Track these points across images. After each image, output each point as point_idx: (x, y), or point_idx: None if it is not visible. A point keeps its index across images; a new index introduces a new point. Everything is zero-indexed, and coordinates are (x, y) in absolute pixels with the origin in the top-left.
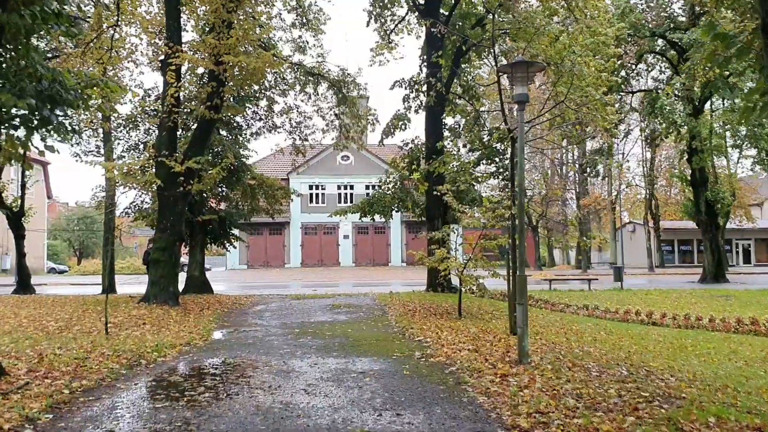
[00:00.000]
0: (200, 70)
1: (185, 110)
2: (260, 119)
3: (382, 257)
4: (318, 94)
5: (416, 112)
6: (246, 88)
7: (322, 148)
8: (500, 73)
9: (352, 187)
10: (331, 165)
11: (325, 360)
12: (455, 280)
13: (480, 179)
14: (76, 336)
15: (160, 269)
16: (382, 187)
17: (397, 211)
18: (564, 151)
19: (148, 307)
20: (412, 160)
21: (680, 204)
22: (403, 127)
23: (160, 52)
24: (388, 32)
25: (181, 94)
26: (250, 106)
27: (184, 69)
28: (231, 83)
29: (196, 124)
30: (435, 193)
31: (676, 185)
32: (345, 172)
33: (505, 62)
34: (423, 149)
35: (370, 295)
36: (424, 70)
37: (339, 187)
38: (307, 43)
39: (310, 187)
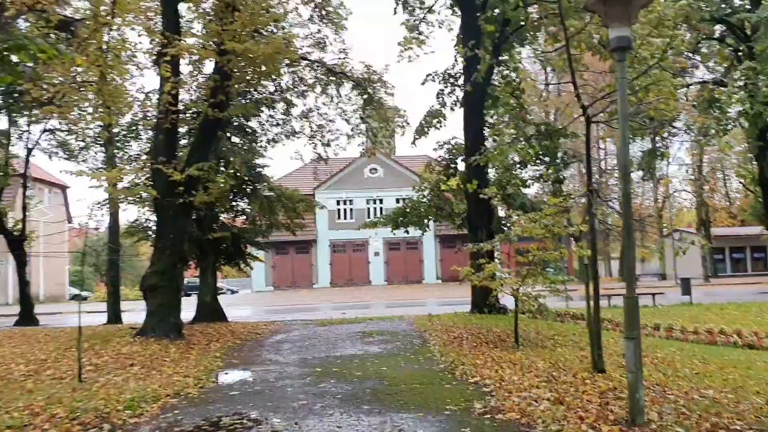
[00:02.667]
0: (207, 69)
1: (188, 112)
2: (277, 124)
3: (415, 274)
4: (341, 96)
5: (452, 108)
6: (256, 84)
7: (349, 161)
8: (590, 12)
9: (381, 201)
10: (359, 178)
11: (353, 419)
12: (504, 299)
13: (527, 183)
14: (38, 386)
15: (159, 297)
16: (416, 195)
17: (434, 221)
18: (603, 153)
19: (144, 342)
20: (449, 163)
21: (737, 208)
22: (438, 125)
23: (156, 45)
24: (417, 22)
25: (185, 95)
26: (266, 110)
27: (188, 67)
28: (237, 74)
29: (197, 129)
30: (481, 196)
31: (722, 189)
32: (374, 185)
33: (551, 50)
34: (461, 149)
35: (405, 318)
36: (460, 62)
37: (368, 201)
38: (327, 38)
39: (338, 202)
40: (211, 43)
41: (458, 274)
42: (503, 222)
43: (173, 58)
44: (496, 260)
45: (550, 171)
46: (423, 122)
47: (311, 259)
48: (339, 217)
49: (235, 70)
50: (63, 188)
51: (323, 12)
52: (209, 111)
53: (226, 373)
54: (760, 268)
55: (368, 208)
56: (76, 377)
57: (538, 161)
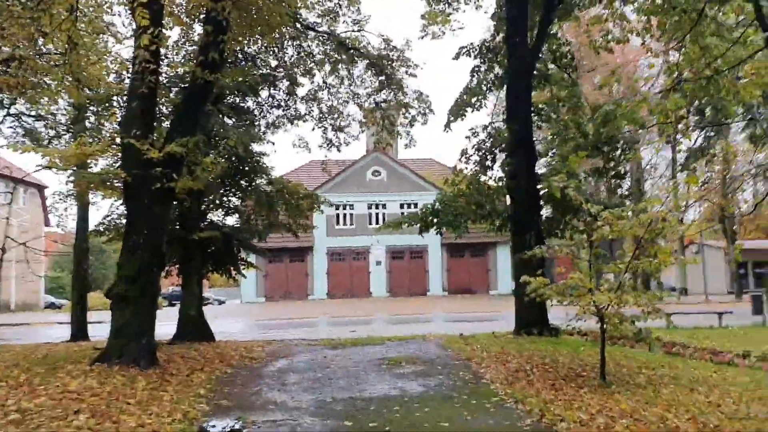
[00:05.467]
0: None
1: (172, 79)
2: (278, 105)
3: (419, 286)
4: (352, 77)
5: (490, 89)
6: (258, 42)
7: (350, 163)
8: None
9: (384, 206)
10: (360, 181)
11: None
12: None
13: (582, 180)
14: None
15: (128, 310)
16: (450, 189)
17: (473, 222)
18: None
19: (104, 372)
20: (486, 153)
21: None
22: (478, 105)
23: None
24: None
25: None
26: (266, 89)
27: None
28: (234, 26)
29: (182, 95)
30: (540, 189)
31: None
32: (376, 189)
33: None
34: (503, 137)
35: (432, 338)
36: (499, 35)
37: (369, 206)
38: (339, 5)
39: (337, 207)
40: None
41: (467, 285)
42: (567, 222)
43: (152, 2)
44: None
45: (611, 164)
46: (459, 101)
47: (307, 268)
48: (338, 223)
49: (232, 21)
50: (40, 188)
51: None
52: (198, 71)
53: (213, 426)
54: None
55: (370, 213)
56: None
57: (595, 152)
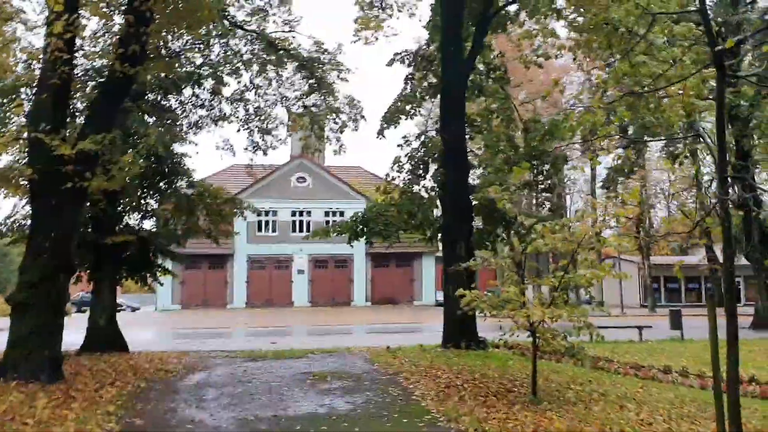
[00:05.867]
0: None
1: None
2: (202, 105)
3: (342, 295)
4: (282, 79)
5: (423, 98)
6: (183, 38)
7: (273, 168)
8: None
9: (309, 213)
10: (284, 187)
11: None
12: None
13: (513, 190)
14: None
15: (28, 319)
16: (382, 198)
17: (405, 231)
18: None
19: (1, 387)
20: (419, 162)
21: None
22: (412, 112)
23: None
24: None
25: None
26: (188, 87)
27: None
28: (158, 18)
29: (98, 88)
30: (471, 200)
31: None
32: (301, 195)
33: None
34: (437, 146)
35: (357, 352)
36: (433, 44)
37: (294, 213)
38: (270, 4)
39: (259, 213)
40: None
41: (391, 296)
42: (498, 234)
43: None
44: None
45: (540, 177)
46: (393, 108)
47: (226, 276)
48: (260, 230)
49: (156, 13)
50: None
51: None
52: (117, 64)
53: None
54: (693, 299)
55: (294, 221)
56: None
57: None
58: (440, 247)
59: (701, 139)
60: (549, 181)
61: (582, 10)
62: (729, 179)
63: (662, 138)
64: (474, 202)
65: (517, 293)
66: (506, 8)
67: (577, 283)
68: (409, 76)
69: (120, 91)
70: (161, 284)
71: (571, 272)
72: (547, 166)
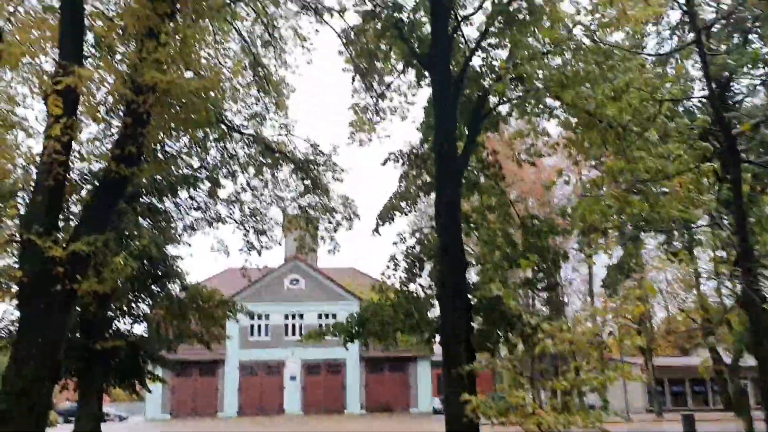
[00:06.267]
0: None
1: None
2: (198, 207)
3: (336, 402)
4: (277, 180)
5: (418, 195)
6: (180, 141)
7: (267, 271)
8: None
9: (302, 317)
10: (277, 289)
11: None
12: None
13: (514, 287)
14: None
15: (12, 429)
16: (378, 297)
17: (402, 332)
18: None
19: None
20: (415, 260)
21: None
22: (408, 209)
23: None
24: (376, 96)
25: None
26: (184, 189)
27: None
28: (155, 119)
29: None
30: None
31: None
32: (294, 298)
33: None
34: (433, 243)
35: None
36: (426, 143)
37: (286, 317)
38: (267, 109)
39: (252, 317)
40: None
41: (386, 403)
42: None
43: (68, 91)
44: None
45: (540, 275)
46: (389, 205)
47: (217, 383)
48: (252, 334)
49: (154, 116)
50: None
51: (264, 80)
52: (113, 165)
53: None
54: (700, 402)
55: (286, 324)
56: None
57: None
58: (436, 350)
59: (710, 230)
60: (550, 279)
61: (574, 109)
62: (748, 269)
63: (662, 230)
64: (473, 301)
65: (526, 397)
66: (498, 108)
67: (591, 386)
68: (404, 175)
69: (115, 191)
70: (150, 391)
71: (583, 373)
72: (546, 263)
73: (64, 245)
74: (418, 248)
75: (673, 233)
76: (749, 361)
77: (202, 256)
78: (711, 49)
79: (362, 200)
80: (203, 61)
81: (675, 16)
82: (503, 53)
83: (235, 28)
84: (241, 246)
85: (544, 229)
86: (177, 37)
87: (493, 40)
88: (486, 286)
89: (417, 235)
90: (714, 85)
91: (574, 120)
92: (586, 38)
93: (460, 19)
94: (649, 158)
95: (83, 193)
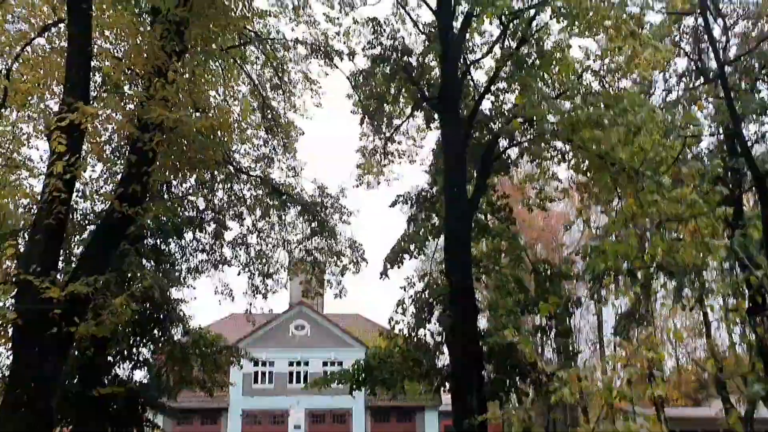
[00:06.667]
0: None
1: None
2: (203, 250)
3: None
4: (284, 222)
5: (427, 238)
6: (187, 182)
7: (271, 316)
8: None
9: (306, 364)
10: (282, 336)
11: None
12: None
13: (526, 332)
14: None
15: None
16: (386, 344)
17: (410, 379)
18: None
19: None
20: (423, 305)
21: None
22: (416, 252)
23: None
24: (384, 139)
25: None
26: (190, 231)
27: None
28: (161, 158)
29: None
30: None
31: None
32: (299, 344)
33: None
34: (444, 288)
35: None
36: (436, 186)
37: (291, 364)
38: (276, 151)
39: (256, 363)
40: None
41: None
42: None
43: (72, 128)
44: None
45: (553, 320)
46: (397, 248)
47: None
48: (256, 382)
49: (160, 155)
50: None
51: (273, 122)
52: (116, 204)
53: None
54: None
55: (291, 372)
56: None
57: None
58: (444, 400)
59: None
60: (564, 326)
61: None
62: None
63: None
64: (484, 348)
65: None
66: (507, 151)
67: None
68: (412, 217)
69: (117, 231)
70: None
71: (603, 425)
72: (561, 309)
73: (63, 286)
74: (426, 293)
75: (683, 280)
76: (763, 411)
77: (206, 301)
78: (727, 88)
79: (369, 244)
80: (211, 101)
81: (681, 64)
82: (513, 97)
83: (244, 71)
84: (246, 289)
85: (558, 274)
86: (185, 76)
87: (502, 84)
88: (499, 332)
89: (426, 279)
90: (728, 126)
91: (584, 163)
92: (595, 83)
93: (469, 62)
94: (663, 202)
95: (86, 234)
